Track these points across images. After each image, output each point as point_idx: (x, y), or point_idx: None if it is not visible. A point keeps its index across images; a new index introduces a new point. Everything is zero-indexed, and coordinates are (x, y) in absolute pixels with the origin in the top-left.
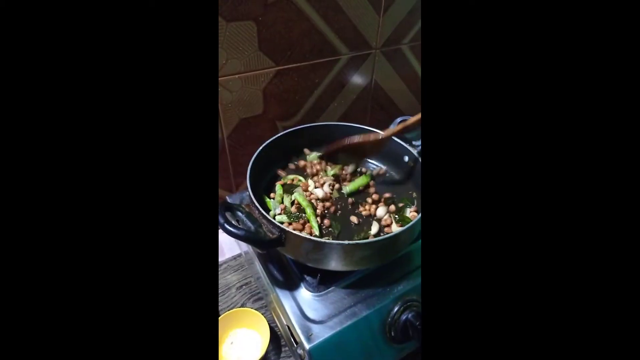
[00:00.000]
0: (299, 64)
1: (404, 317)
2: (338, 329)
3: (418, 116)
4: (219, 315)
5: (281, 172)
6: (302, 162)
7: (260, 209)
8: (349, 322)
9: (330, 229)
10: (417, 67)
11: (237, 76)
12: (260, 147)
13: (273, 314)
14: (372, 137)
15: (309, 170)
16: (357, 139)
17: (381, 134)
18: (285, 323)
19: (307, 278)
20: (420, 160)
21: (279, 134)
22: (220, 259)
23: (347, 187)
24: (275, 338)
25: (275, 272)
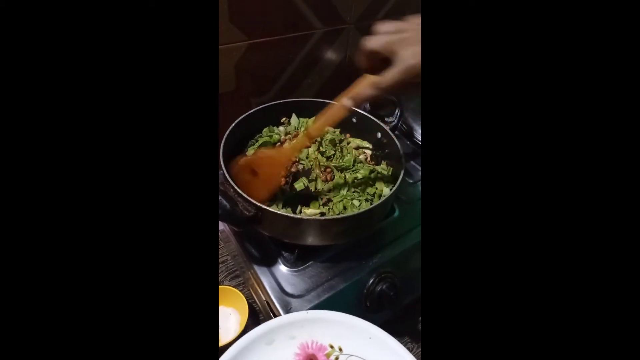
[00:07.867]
0: (272, 38)
1: (378, 288)
2: (316, 302)
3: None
4: None
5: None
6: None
7: (235, 187)
8: (326, 295)
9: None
10: None
11: None
12: (233, 124)
13: (251, 290)
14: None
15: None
16: None
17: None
18: (264, 299)
19: (285, 254)
20: (392, 136)
21: (252, 110)
22: None
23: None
24: (254, 314)
25: (252, 249)
